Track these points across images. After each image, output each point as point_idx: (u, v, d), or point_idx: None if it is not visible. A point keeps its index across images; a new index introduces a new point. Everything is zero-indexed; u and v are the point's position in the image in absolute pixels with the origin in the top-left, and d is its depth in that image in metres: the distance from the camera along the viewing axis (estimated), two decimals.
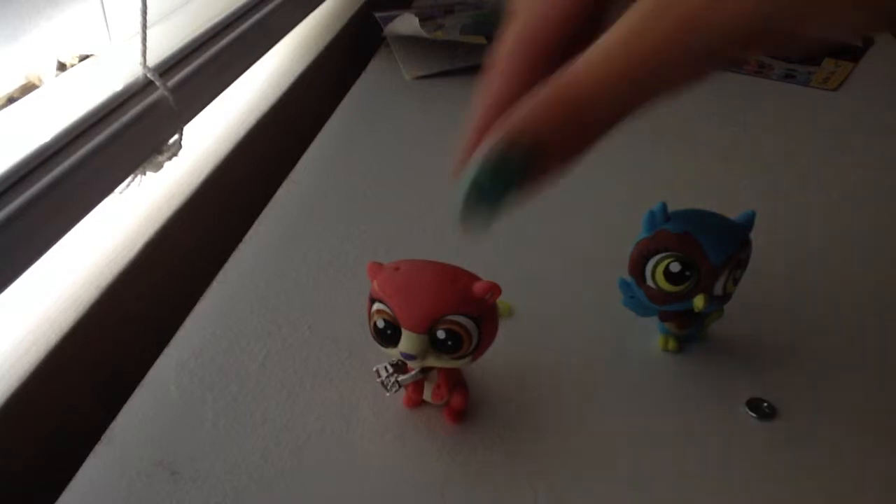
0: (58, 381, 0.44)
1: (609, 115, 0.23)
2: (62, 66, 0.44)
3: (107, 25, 0.47)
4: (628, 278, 0.40)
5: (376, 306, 0.35)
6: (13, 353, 0.41)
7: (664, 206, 0.39)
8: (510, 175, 0.25)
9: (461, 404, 0.38)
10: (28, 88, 0.41)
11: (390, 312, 0.34)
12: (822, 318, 0.46)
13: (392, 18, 0.81)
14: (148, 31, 0.45)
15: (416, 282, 0.34)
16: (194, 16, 0.55)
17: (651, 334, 0.43)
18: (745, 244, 0.40)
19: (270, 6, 0.61)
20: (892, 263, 0.51)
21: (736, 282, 0.40)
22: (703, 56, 0.22)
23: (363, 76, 0.77)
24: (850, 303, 0.47)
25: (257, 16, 0.59)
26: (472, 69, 0.74)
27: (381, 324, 0.35)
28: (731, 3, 0.20)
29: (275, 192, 0.57)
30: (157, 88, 0.47)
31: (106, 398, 0.41)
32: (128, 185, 0.47)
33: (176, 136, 0.49)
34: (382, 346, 0.36)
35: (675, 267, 0.38)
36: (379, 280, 0.35)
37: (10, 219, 0.36)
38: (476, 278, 0.35)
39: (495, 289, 0.34)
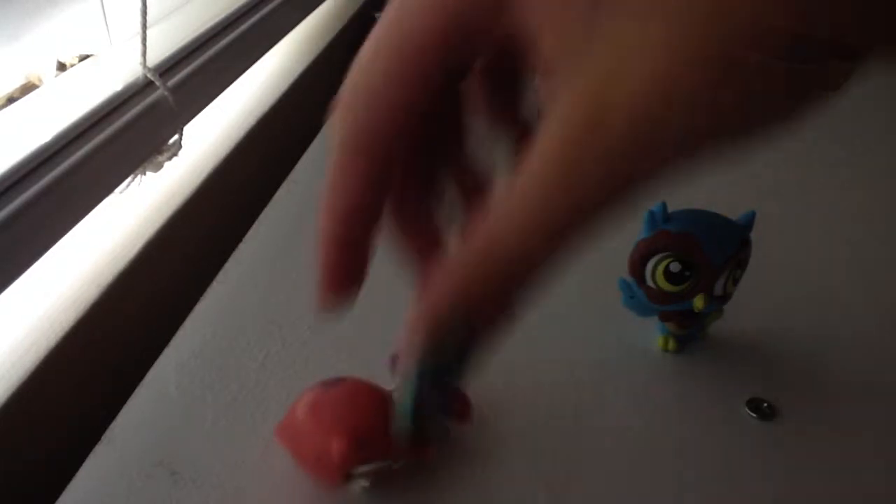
0: (58, 381, 0.44)
1: (543, 265, 0.19)
2: (62, 66, 0.44)
3: (107, 25, 0.47)
4: (628, 278, 0.40)
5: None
6: (13, 353, 0.41)
7: (664, 206, 0.39)
8: (453, 359, 0.22)
9: (467, 410, 0.37)
10: (28, 88, 0.41)
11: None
12: (823, 318, 0.46)
13: None
14: (148, 31, 0.45)
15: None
16: (194, 16, 0.55)
17: (651, 334, 0.43)
18: (745, 244, 0.40)
19: (270, 6, 0.61)
20: (893, 264, 0.51)
21: (736, 282, 0.40)
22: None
23: None
24: (850, 302, 0.47)
25: (257, 16, 0.59)
26: None
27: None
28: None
29: (275, 192, 0.57)
30: (157, 88, 0.47)
31: (106, 398, 0.41)
32: (128, 185, 0.47)
33: (176, 136, 0.49)
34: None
35: (675, 267, 0.38)
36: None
37: (10, 219, 0.36)
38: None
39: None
